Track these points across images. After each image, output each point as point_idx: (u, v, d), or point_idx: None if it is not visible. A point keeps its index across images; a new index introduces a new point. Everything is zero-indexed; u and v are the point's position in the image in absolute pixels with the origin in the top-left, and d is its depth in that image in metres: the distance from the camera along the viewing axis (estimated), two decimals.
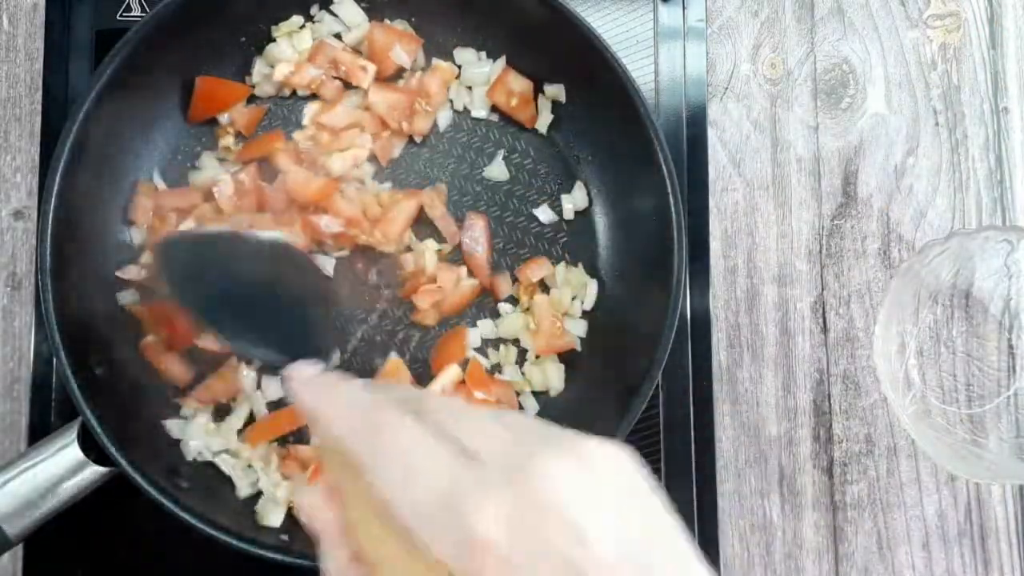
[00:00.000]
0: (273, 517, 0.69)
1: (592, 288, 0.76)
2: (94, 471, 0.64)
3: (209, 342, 0.71)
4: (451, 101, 0.78)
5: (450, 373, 0.73)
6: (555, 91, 0.76)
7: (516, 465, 0.35)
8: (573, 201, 0.77)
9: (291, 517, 0.70)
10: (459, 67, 0.78)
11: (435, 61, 0.77)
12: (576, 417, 0.71)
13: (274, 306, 0.55)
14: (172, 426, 0.71)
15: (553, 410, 0.74)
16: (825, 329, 0.79)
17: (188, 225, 0.73)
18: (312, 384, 0.44)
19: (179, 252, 0.58)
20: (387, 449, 0.38)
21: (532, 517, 0.34)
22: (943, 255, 0.75)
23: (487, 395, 0.72)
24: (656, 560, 0.35)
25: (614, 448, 0.37)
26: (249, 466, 0.71)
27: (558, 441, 0.36)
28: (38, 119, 0.78)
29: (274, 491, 0.70)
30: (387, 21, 0.77)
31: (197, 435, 0.71)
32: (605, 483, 0.35)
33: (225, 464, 0.71)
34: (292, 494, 0.70)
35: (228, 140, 0.75)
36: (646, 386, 0.67)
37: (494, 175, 0.77)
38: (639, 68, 0.79)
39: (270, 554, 0.64)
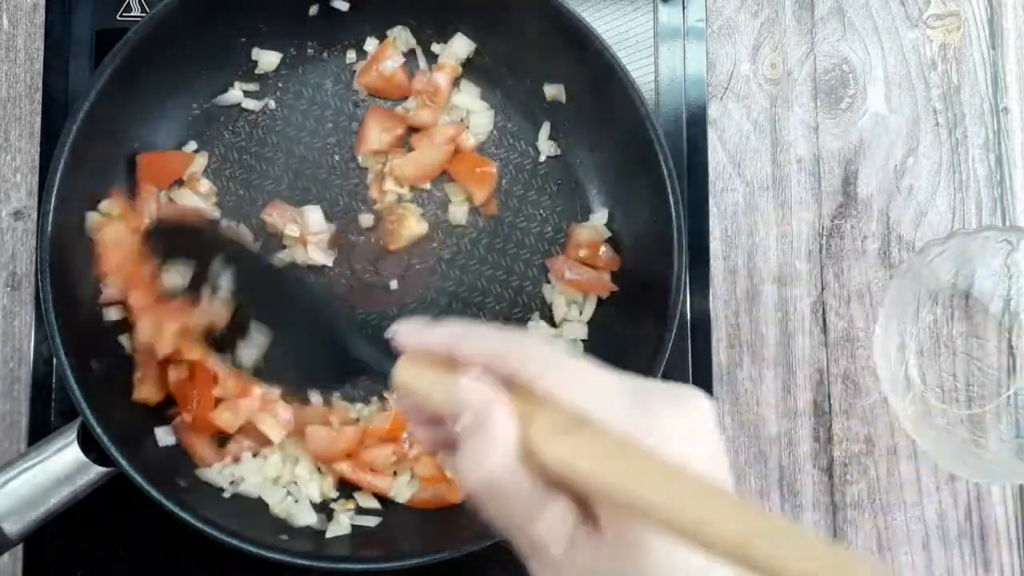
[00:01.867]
0: (305, 516, 0.70)
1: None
2: (94, 471, 0.64)
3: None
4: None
5: None
6: (555, 91, 0.76)
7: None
8: None
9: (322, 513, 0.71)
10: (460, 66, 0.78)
11: (442, 59, 0.77)
12: None
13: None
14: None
15: None
16: (825, 329, 0.79)
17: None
18: (442, 331, 0.44)
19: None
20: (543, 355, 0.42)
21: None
22: (943, 255, 0.75)
23: None
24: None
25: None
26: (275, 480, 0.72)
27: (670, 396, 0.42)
28: (38, 119, 0.78)
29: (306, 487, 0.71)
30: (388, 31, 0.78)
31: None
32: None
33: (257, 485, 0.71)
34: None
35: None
36: None
37: None
38: (639, 68, 0.79)
39: (271, 554, 0.64)
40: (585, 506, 0.40)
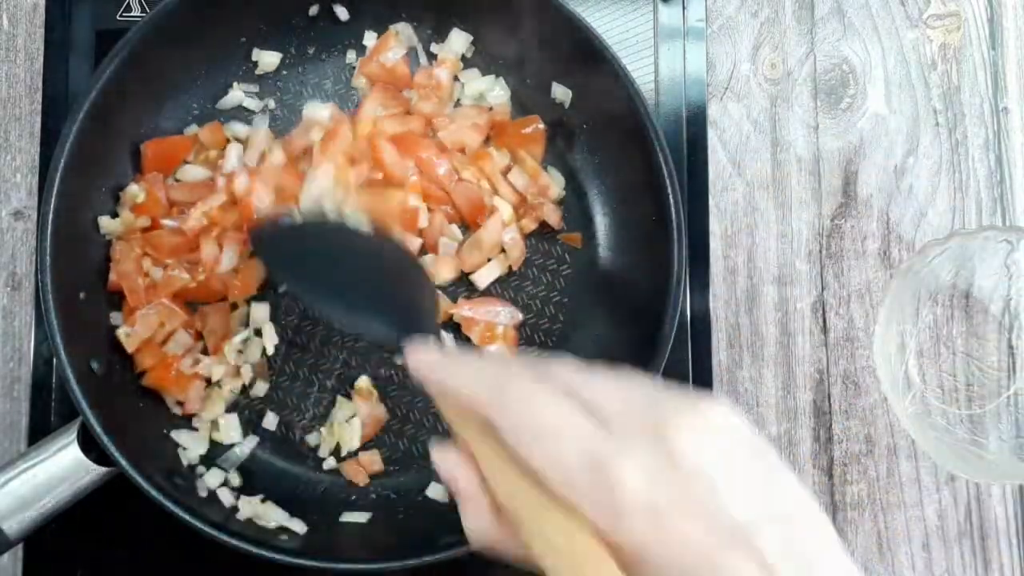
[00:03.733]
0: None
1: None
2: (94, 471, 0.64)
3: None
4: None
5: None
6: (561, 92, 0.76)
7: (650, 426, 0.38)
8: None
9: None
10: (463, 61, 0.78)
11: (441, 55, 0.77)
12: None
13: (379, 288, 0.57)
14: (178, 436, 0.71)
15: None
16: (825, 329, 0.79)
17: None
18: (435, 361, 0.45)
19: (275, 239, 0.62)
20: (520, 411, 0.40)
21: (671, 472, 0.37)
22: (943, 255, 0.75)
23: None
24: (788, 510, 0.38)
25: (724, 408, 0.40)
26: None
27: (680, 402, 0.40)
28: (38, 119, 0.78)
29: None
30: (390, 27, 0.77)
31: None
32: (730, 442, 0.39)
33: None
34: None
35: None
36: None
37: None
38: (639, 68, 0.79)
39: (271, 554, 0.64)
40: None
